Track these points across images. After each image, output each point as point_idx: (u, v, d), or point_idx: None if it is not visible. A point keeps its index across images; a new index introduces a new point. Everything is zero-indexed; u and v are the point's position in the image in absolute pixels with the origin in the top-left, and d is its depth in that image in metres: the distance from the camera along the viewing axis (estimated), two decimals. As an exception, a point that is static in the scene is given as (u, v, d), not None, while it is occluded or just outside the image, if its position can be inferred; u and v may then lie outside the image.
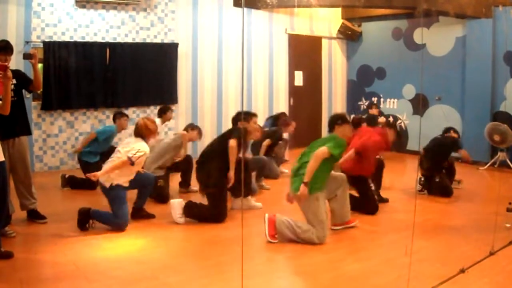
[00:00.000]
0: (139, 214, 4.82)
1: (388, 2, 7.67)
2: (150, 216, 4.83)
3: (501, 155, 7.61)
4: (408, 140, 9.25)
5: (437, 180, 5.88)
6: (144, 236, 4.33)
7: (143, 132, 4.61)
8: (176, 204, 4.71)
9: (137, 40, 7.79)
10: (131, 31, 7.73)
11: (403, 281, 3.20)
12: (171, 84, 8.07)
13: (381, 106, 9.61)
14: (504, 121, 7.42)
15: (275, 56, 9.32)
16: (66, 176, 6.09)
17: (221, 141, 4.93)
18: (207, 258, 3.86)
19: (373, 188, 5.31)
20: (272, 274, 3.56)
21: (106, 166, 4.47)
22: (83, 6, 7.30)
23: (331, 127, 4.37)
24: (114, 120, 6.32)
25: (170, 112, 6.88)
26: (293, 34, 9.47)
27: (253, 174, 5.86)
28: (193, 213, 4.72)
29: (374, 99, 9.72)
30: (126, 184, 4.49)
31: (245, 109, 7.54)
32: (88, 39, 7.35)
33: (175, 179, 6.06)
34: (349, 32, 10.00)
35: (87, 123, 7.45)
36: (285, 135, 7.74)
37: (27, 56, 4.20)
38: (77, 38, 7.26)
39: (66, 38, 7.16)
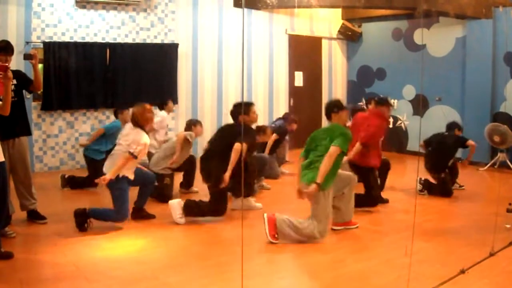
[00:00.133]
0: (140, 214, 4.82)
1: (388, 2, 7.67)
2: (150, 217, 4.83)
3: (501, 156, 7.62)
4: (408, 141, 9.26)
5: (440, 179, 5.90)
6: (144, 236, 4.33)
7: (139, 121, 4.56)
8: (176, 204, 4.70)
9: (137, 40, 7.79)
10: (131, 32, 7.74)
11: (403, 281, 3.20)
12: (171, 85, 8.08)
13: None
14: (504, 122, 7.42)
15: (275, 57, 9.32)
16: (66, 176, 6.10)
17: (224, 137, 4.89)
18: (207, 258, 3.86)
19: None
20: (272, 274, 3.56)
21: (111, 162, 4.48)
22: (83, 7, 7.30)
23: (328, 115, 4.37)
24: (116, 115, 6.32)
25: (170, 103, 6.91)
26: (293, 35, 9.48)
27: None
28: (193, 211, 4.71)
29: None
30: (132, 176, 4.49)
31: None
32: (88, 39, 7.35)
33: (177, 179, 6.04)
34: (349, 33, 10.00)
35: (87, 123, 7.45)
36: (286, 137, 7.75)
37: (27, 57, 4.21)
38: (77, 38, 7.26)
39: (66, 39, 7.17)
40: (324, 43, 10.04)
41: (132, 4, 7.64)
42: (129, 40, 7.71)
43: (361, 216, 4.89)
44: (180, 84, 8.25)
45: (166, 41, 8.04)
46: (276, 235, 4.11)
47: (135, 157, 4.39)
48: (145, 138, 4.51)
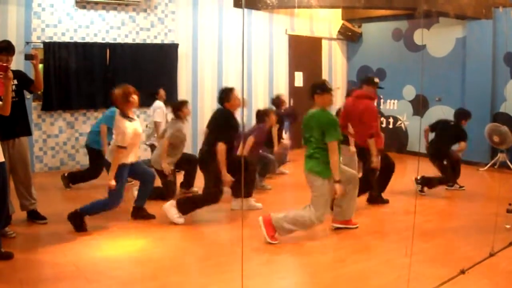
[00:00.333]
0: (139, 214, 4.82)
1: (388, 3, 7.66)
2: (150, 217, 4.82)
3: (501, 156, 7.62)
4: (408, 141, 9.26)
5: (440, 166, 5.97)
6: (144, 236, 4.33)
7: (119, 103, 4.43)
8: (168, 206, 4.68)
9: (137, 40, 7.79)
10: (131, 32, 7.74)
11: (403, 281, 3.20)
12: (171, 85, 8.06)
13: (381, 107, 9.61)
14: (504, 122, 7.42)
15: (275, 57, 9.32)
16: (66, 174, 6.10)
17: (214, 119, 5.02)
18: (207, 258, 3.86)
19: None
20: (272, 274, 3.56)
21: (109, 155, 4.48)
22: (83, 7, 7.30)
23: (311, 96, 4.25)
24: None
25: (161, 90, 6.94)
26: (293, 35, 9.48)
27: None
28: (187, 207, 4.69)
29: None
30: (127, 160, 4.43)
31: (245, 110, 7.51)
32: (88, 39, 7.35)
33: (177, 180, 6.04)
34: (349, 33, 10.00)
35: (87, 123, 7.45)
36: (286, 138, 7.76)
37: (28, 57, 4.22)
38: (77, 38, 7.26)
39: (66, 39, 7.17)
40: (324, 43, 10.04)
41: (132, 4, 7.64)
42: (129, 40, 7.71)
43: (361, 216, 4.89)
44: (180, 84, 8.24)
45: (166, 41, 8.04)
46: (275, 236, 4.11)
47: (124, 147, 4.33)
48: (122, 124, 4.36)
